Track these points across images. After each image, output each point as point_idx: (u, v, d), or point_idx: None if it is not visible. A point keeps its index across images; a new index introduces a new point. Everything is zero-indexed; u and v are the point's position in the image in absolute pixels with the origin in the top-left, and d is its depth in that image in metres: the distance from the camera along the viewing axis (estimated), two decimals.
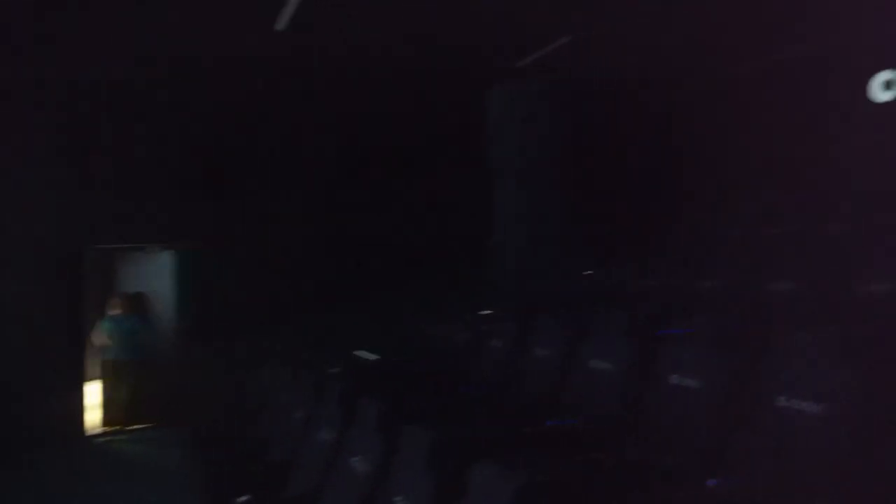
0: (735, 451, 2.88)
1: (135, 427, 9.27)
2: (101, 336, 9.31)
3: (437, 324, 7.21)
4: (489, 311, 6.81)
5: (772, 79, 8.34)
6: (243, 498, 3.91)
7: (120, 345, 9.26)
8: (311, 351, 7.14)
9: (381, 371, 6.36)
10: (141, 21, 6.58)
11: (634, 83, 8.44)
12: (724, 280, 5.47)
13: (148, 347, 9.42)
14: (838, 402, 2.49)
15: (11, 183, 8.52)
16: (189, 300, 9.44)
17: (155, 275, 9.72)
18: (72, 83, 8.34)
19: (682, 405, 3.36)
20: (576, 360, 4.35)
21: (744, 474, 2.78)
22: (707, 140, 9.11)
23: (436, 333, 7.07)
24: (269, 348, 7.91)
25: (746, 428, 2.89)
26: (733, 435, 2.92)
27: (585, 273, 7.52)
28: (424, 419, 3.26)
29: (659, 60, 7.91)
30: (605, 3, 6.12)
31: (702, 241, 7.04)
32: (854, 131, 7.60)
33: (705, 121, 9.07)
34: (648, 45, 7.32)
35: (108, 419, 9.38)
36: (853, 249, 4.86)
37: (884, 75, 7.32)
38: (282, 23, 6.12)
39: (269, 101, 9.01)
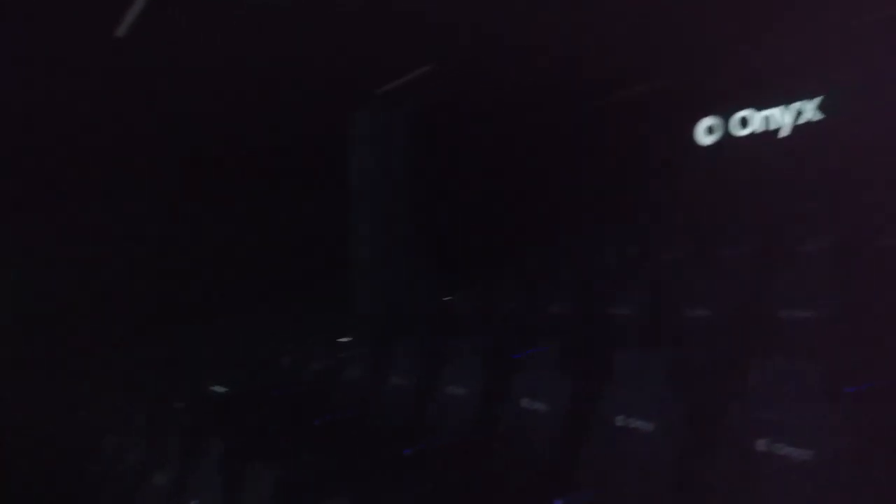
0: (580, 469, 3.02)
1: None
2: None
3: (292, 351, 6.99)
4: (347, 338, 6.71)
5: (618, 115, 9.03)
6: None
7: None
8: (153, 382, 6.64)
9: (230, 404, 6.03)
10: None
11: (493, 112, 8.78)
12: (572, 304, 5.76)
13: None
14: (666, 420, 2.67)
15: None
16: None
17: None
18: None
19: (533, 427, 3.47)
20: (433, 386, 4.37)
21: (589, 491, 2.91)
22: (559, 169, 9.68)
23: (291, 361, 6.84)
24: (103, 379, 7.25)
25: (590, 446, 3.03)
26: (578, 454, 3.06)
27: (444, 298, 7.64)
28: (273, 456, 3.11)
29: (516, 91, 8.28)
30: (468, 33, 6.33)
31: (554, 267, 7.40)
32: (690, 167, 8.39)
33: (559, 150, 9.64)
34: (506, 76, 7.64)
35: None
36: (686, 276, 5.31)
37: (706, 121, 8.17)
38: (122, 29, 5.74)
39: (104, 108, 8.33)
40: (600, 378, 3.59)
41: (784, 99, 7.34)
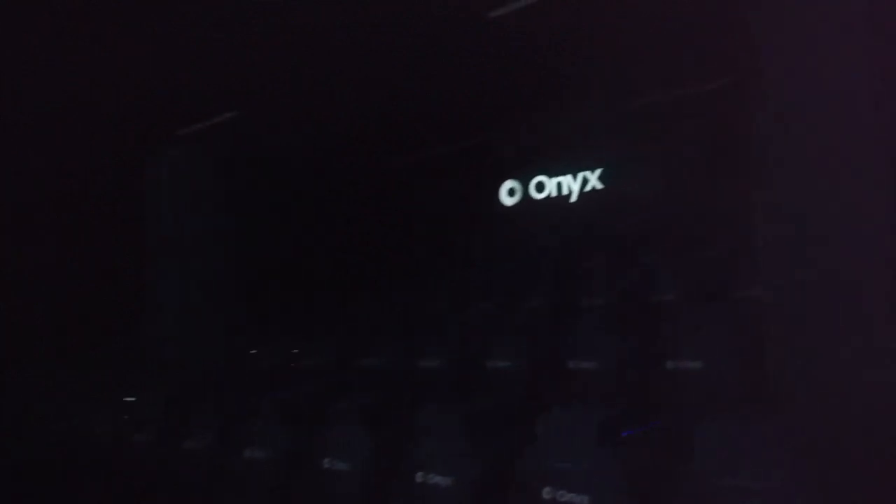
0: None
1: None
2: None
3: (75, 413, 6.22)
4: (140, 396, 6.12)
5: (427, 173, 9.41)
6: None
7: None
8: None
9: None
10: None
11: (301, 161, 8.68)
12: (383, 358, 5.79)
13: None
14: (463, 474, 2.76)
15: None
16: None
17: None
18: None
19: (333, 487, 3.39)
20: (231, 450, 4.12)
21: None
22: (370, 222, 9.83)
23: (73, 425, 6.09)
24: None
25: None
26: None
27: (251, 351, 7.30)
28: None
29: (326, 142, 8.31)
30: (274, 82, 6.28)
31: (363, 321, 7.40)
32: (496, 225, 8.92)
33: (371, 203, 9.81)
34: (315, 125, 7.64)
35: None
36: (490, 330, 5.57)
37: (508, 184, 8.81)
38: None
39: None
40: (403, 434, 3.62)
41: (573, 168, 8.18)
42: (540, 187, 8.50)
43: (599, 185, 7.98)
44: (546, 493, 2.66)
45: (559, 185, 8.35)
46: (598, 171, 8.00)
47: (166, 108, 6.65)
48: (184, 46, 5.34)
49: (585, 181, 8.11)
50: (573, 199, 8.18)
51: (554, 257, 7.40)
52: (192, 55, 5.49)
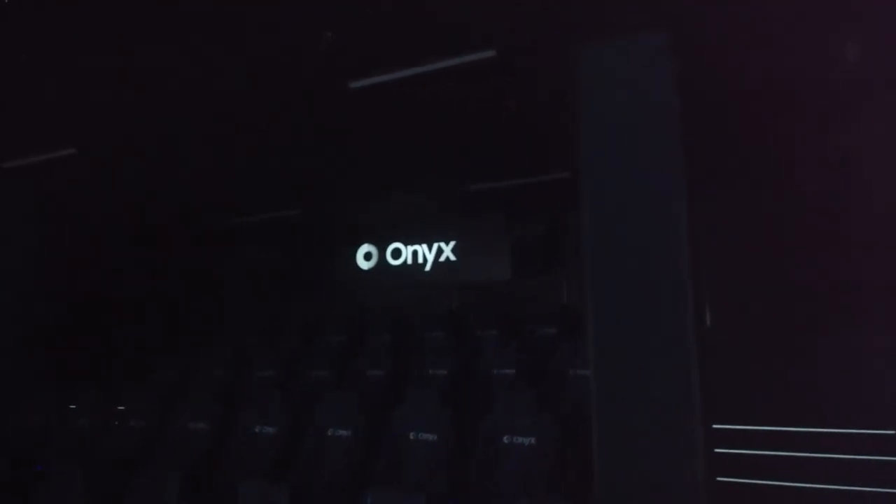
0: None
1: None
2: None
3: None
4: None
5: (260, 234, 9.24)
6: None
7: None
8: None
9: None
10: None
11: (130, 208, 8.19)
12: (204, 422, 5.44)
13: None
14: None
15: None
16: None
17: None
18: None
19: None
20: None
21: None
22: (199, 280, 9.47)
23: None
24: None
25: None
26: None
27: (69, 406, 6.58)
28: None
29: (167, 195, 7.93)
30: (116, 125, 5.95)
31: (184, 382, 6.94)
32: (350, 287, 8.84)
33: (202, 262, 9.49)
34: (155, 175, 7.28)
35: None
36: (329, 397, 5.41)
37: (364, 248, 8.84)
38: None
39: None
40: None
41: (428, 238, 8.40)
42: (396, 254, 8.61)
43: (453, 257, 8.22)
44: None
45: (415, 253, 8.51)
46: (452, 244, 8.25)
47: None
48: (23, 77, 4.96)
49: (440, 251, 8.33)
50: (427, 267, 8.35)
51: (404, 326, 7.44)
52: (29, 87, 5.10)
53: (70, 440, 5.53)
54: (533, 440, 4.30)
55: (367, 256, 8.83)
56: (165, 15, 4.19)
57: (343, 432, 4.90)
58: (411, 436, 4.63)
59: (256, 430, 5.06)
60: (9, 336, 6.88)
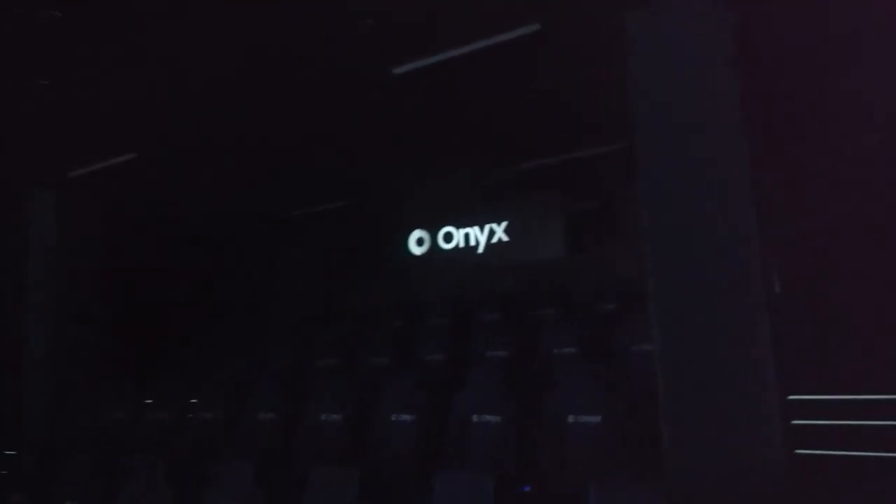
0: None
1: None
2: None
3: None
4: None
5: (313, 226, 9.35)
6: None
7: None
8: None
9: None
10: None
11: (194, 208, 8.39)
12: (273, 413, 5.55)
13: None
14: None
15: None
16: None
17: None
18: None
19: None
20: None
21: None
22: (263, 274, 9.67)
23: None
24: None
25: None
26: None
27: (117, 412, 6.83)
28: None
29: (223, 192, 8.12)
30: (172, 128, 6.10)
31: (253, 375, 7.09)
32: (404, 274, 8.90)
33: (264, 254, 9.70)
34: (203, 176, 7.45)
35: None
36: (388, 383, 5.45)
37: (416, 234, 8.85)
38: None
39: None
40: (297, 495, 3.46)
41: (479, 220, 8.36)
42: (448, 237, 8.60)
43: (505, 238, 8.16)
44: None
45: (466, 236, 8.48)
46: (504, 224, 8.19)
47: (56, 148, 6.31)
48: (80, 87, 5.11)
49: (492, 233, 8.28)
50: (480, 249, 8.32)
51: (458, 307, 7.44)
52: (88, 96, 5.26)
53: (148, 433, 5.76)
54: (599, 418, 4.24)
55: (420, 242, 8.84)
56: (207, 11, 4.23)
57: (407, 417, 4.95)
58: (475, 418, 4.64)
59: (323, 417, 5.15)
60: (86, 335, 7.20)
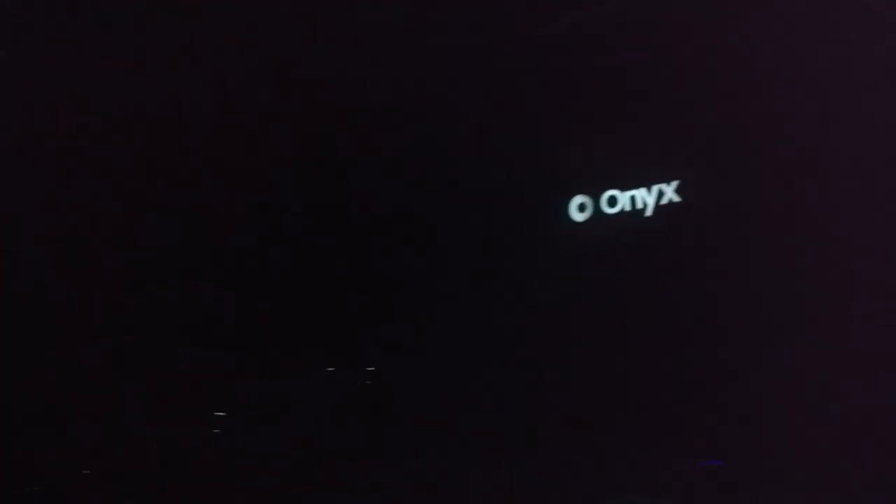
0: None
1: None
2: None
3: None
4: None
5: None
6: None
7: None
8: None
9: None
10: None
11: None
12: None
13: None
14: None
15: None
16: None
17: None
18: None
19: None
20: None
21: None
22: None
23: None
24: None
25: None
26: None
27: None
28: None
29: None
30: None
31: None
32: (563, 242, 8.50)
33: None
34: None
35: None
36: None
37: (577, 199, 8.36)
38: None
39: None
40: None
41: (647, 180, 7.69)
42: (612, 202, 8.05)
43: (677, 198, 7.46)
44: None
45: (632, 199, 7.87)
46: (674, 183, 7.49)
47: None
48: None
49: (661, 194, 7.61)
50: (648, 213, 7.70)
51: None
52: None
53: None
54: None
55: (581, 208, 8.36)
56: None
57: None
58: None
59: None
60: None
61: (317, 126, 7.18)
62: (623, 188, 7.87)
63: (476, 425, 6.46)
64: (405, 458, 6.44)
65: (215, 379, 7.80)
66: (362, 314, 8.55)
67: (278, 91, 6.47)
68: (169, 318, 8.02)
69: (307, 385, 7.58)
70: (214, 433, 7.79)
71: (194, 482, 6.39)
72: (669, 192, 7.54)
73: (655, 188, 7.63)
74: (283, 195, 8.12)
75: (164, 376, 7.75)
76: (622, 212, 7.86)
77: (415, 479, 6.10)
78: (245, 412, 7.49)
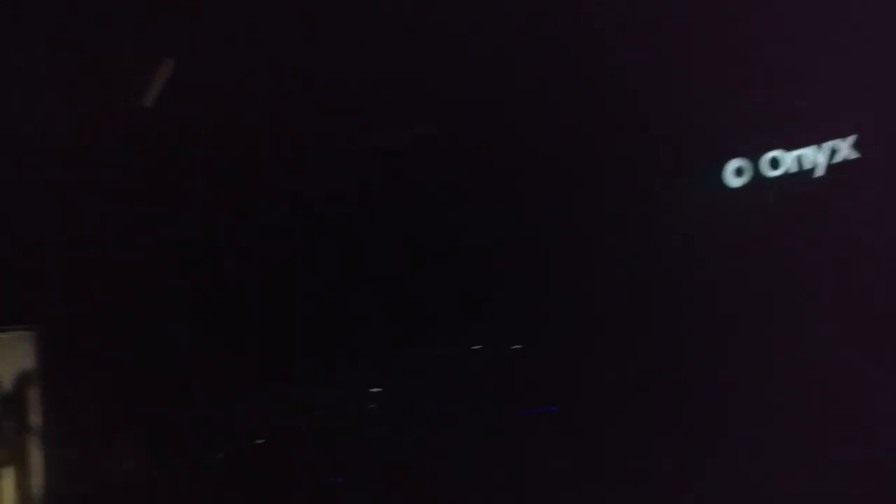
0: None
1: None
2: None
3: None
4: None
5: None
6: None
7: None
8: None
9: None
10: None
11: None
12: None
13: None
14: None
15: None
16: None
17: None
18: None
19: None
20: None
21: None
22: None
23: None
24: None
25: None
26: None
27: None
28: None
29: None
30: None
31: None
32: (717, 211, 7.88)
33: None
34: None
35: None
36: None
37: (734, 163, 7.66)
38: None
39: None
40: None
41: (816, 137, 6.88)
42: (774, 164, 7.29)
43: (854, 155, 6.62)
44: None
45: (798, 160, 7.09)
46: (850, 139, 6.65)
47: None
48: None
49: (834, 152, 6.78)
50: (819, 173, 6.91)
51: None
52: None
53: None
54: None
55: (739, 172, 7.65)
56: None
57: None
58: None
59: None
60: None
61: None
62: (788, 148, 7.10)
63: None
64: None
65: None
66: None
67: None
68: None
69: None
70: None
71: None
72: (845, 148, 6.70)
73: (827, 145, 6.83)
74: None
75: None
76: (786, 174, 7.13)
77: None
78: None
